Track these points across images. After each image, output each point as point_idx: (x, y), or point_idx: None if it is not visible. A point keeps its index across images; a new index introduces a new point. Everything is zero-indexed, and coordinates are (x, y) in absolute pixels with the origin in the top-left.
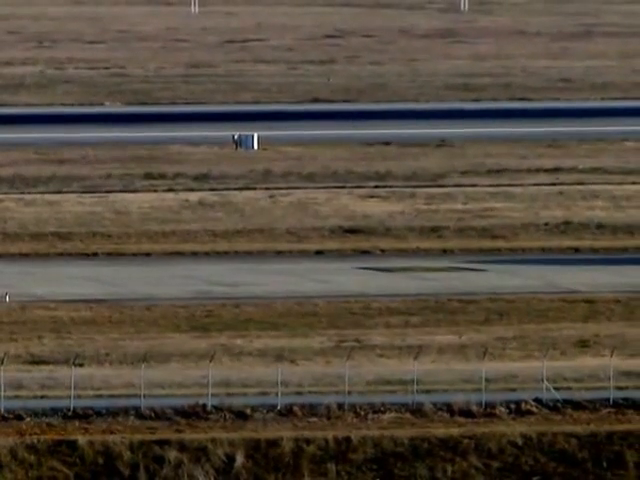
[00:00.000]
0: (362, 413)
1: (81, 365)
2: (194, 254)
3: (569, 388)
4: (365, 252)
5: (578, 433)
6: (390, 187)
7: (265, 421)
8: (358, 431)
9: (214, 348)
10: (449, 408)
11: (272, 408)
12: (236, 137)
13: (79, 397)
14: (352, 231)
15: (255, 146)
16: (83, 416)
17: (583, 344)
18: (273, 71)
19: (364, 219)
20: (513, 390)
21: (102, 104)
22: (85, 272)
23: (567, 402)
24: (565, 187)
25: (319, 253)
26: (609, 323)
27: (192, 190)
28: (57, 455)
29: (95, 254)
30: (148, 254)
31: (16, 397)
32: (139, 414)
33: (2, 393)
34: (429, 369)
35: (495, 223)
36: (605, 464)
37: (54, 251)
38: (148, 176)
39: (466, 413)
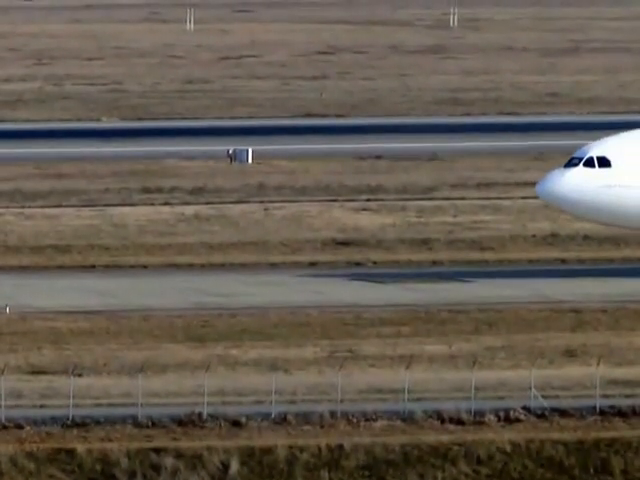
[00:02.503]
0: (354, 421)
1: (80, 375)
2: (190, 266)
3: (557, 396)
4: (357, 264)
5: (565, 440)
6: (381, 200)
7: (259, 429)
8: (350, 438)
9: (210, 358)
10: (439, 416)
11: (266, 416)
12: (231, 151)
13: (78, 406)
14: (344, 243)
15: (249, 160)
16: (82, 425)
17: (570, 353)
18: (267, 87)
19: (356, 231)
20: (502, 398)
21: (99, 119)
22: (83, 284)
23: (555, 410)
24: None
25: (312, 265)
26: (596, 333)
27: (188, 204)
28: (56, 463)
29: (93, 266)
30: (145, 266)
31: (16, 406)
32: (136, 423)
33: (2, 402)
34: (420, 378)
35: (484, 235)
36: (592, 470)
37: (53, 264)
38: (145, 190)
39: (456, 421)
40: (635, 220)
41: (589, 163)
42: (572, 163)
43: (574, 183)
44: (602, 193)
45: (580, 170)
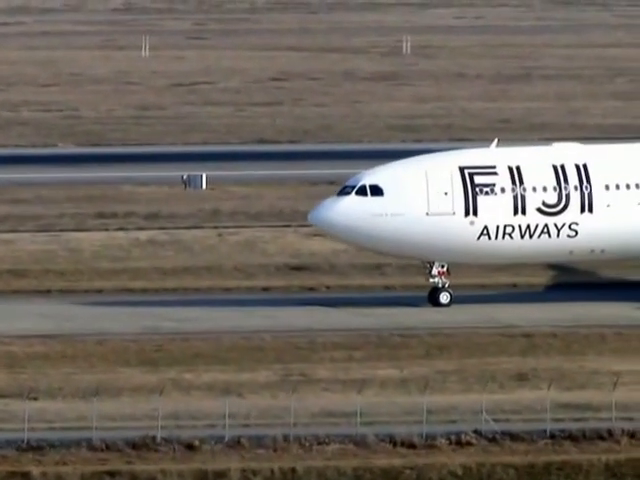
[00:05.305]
0: (307, 444)
1: (35, 399)
2: (144, 291)
3: (507, 420)
4: (310, 289)
5: (516, 464)
6: None
7: (213, 452)
8: (303, 462)
9: (164, 382)
10: (391, 439)
11: (220, 440)
12: (185, 177)
13: (33, 430)
14: (298, 268)
15: (204, 186)
16: (37, 448)
17: (521, 377)
18: (221, 113)
19: (309, 257)
20: (453, 422)
21: (55, 145)
22: (39, 309)
23: (505, 434)
24: None
25: (266, 290)
26: (547, 357)
27: (142, 229)
28: None
29: (49, 291)
30: (99, 291)
31: None
32: (91, 446)
33: None
34: (372, 402)
35: None
36: None
37: (9, 288)
38: (100, 215)
39: (408, 444)
40: (407, 248)
41: (361, 191)
42: (345, 191)
43: (346, 211)
44: (374, 221)
45: (352, 198)
